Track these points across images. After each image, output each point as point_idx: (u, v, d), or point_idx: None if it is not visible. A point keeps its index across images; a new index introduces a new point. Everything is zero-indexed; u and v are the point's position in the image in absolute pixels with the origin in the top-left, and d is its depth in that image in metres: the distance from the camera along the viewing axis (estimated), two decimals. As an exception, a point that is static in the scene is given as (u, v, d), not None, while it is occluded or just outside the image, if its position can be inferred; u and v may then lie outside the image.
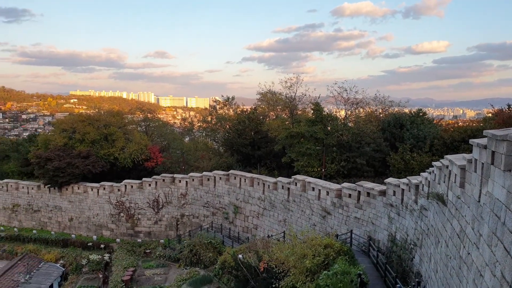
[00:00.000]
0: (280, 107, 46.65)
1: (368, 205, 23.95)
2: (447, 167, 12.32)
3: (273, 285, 19.50)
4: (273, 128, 40.92)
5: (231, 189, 37.44)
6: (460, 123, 55.05)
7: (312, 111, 38.58)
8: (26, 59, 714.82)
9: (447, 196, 12.22)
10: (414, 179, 18.90)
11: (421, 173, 18.11)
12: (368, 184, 24.51)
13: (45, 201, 46.17)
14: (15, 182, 48.13)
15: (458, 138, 34.87)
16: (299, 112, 45.91)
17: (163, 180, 41.63)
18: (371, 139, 37.65)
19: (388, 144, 38.72)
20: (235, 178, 37.12)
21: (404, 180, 20.47)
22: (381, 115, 46.31)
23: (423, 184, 17.24)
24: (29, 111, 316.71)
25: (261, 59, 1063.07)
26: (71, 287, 35.36)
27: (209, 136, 56.31)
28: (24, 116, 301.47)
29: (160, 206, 41.84)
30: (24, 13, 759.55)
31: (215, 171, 39.42)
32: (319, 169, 34.71)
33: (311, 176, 31.98)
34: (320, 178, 32.33)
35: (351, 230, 23.80)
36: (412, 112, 43.04)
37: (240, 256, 23.78)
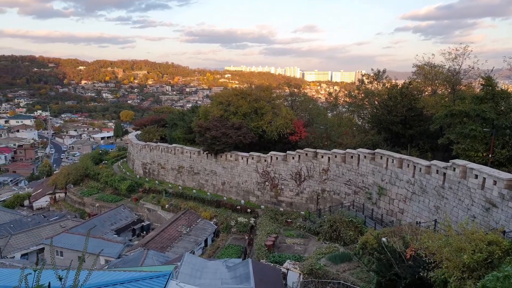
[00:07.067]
0: (439, 81, 41.67)
1: (550, 201, 19.79)
2: None
3: (420, 274, 18.05)
4: (429, 105, 36.91)
5: (376, 169, 35.71)
6: None
7: (481, 87, 33.33)
8: (191, 37, 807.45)
9: None
10: None
11: None
12: (553, 177, 20.16)
13: (203, 166, 52.14)
14: (180, 147, 55.47)
15: None
16: (462, 88, 40.31)
17: (306, 154, 42.31)
18: (558, 122, 30.64)
19: None
20: (381, 157, 35.19)
21: None
22: None
23: None
24: (191, 84, 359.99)
25: (417, 28, 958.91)
26: (222, 244, 39.58)
27: (354, 112, 54.51)
28: (187, 89, 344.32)
29: (302, 179, 42.83)
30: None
31: (360, 149, 38.07)
32: (484, 154, 30.05)
33: (474, 162, 27.98)
34: (485, 164, 28.02)
35: (524, 229, 20.15)
36: None
37: (384, 239, 22.64)
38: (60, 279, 3.10)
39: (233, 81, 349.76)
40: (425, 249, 18.78)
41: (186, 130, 59.02)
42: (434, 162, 29.59)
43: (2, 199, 67.32)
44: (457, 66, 38.85)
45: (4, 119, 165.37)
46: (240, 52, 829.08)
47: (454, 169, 26.98)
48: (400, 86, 44.11)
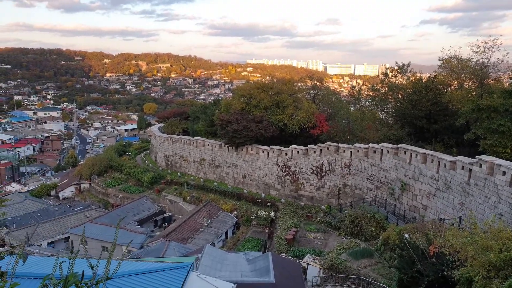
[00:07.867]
0: (465, 75, 40.41)
1: None
2: None
3: (444, 273, 17.70)
4: (455, 99, 35.90)
5: (399, 164, 35.10)
6: None
7: (510, 81, 32.18)
8: (213, 31, 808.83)
9: None
10: None
11: None
12: None
13: (225, 158, 52.47)
14: (202, 140, 55.93)
15: None
16: (490, 82, 38.99)
17: (328, 148, 41.97)
18: None
19: None
20: (404, 152, 34.57)
21: None
22: None
23: None
24: (214, 78, 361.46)
25: (444, 21, 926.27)
26: (242, 237, 39.87)
27: (377, 106, 53.58)
28: (209, 83, 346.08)
29: (323, 174, 42.55)
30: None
31: (383, 144, 37.49)
32: (513, 150, 29.13)
33: (502, 158, 27.15)
34: (513, 161, 27.15)
35: (555, 228, 19.42)
36: None
37: (406, 235, 22.31)
38: (92, 267, 3.22)
39: (255, 74, 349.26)
40: (449, 247, 18.38)
41: (208, 123, 59.44)
42: (460, 157, 28.88)
43: (30, 189, 69.89)
44: (486, 60, 37.56)
45: (33, 111, 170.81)
46: (262, 45, 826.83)
47: (480, 165, 26.26)
48: (425, 79, 43.07)
